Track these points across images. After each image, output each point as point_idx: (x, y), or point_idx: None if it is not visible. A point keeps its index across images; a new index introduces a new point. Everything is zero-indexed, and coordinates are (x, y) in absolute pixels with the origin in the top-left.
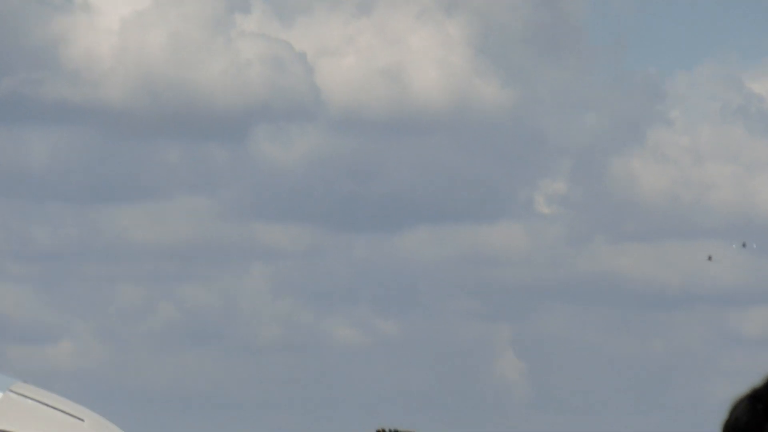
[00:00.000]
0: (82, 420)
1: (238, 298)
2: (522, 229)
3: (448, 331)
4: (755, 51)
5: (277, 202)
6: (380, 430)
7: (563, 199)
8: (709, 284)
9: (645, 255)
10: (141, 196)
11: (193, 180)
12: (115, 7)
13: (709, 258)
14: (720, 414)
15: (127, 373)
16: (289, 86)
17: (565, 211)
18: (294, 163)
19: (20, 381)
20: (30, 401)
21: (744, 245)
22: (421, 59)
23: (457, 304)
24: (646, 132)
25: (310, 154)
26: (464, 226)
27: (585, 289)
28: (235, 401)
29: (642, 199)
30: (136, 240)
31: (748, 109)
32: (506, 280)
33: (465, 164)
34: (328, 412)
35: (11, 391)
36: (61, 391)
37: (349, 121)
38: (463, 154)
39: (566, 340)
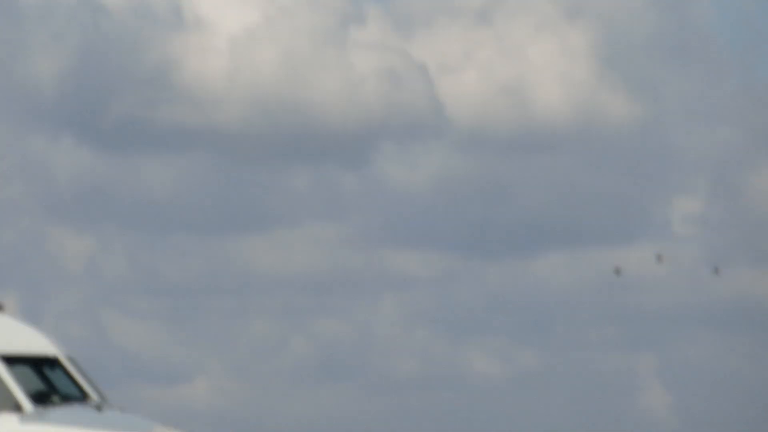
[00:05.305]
0: None
1: (371, 329)
2: (659, 251)
3: (588, 361)
4: None
5: (406, 226)
6: None
7: (700, 219)
8: None
9: None
10: (268, 225)
11: (319, 206)
12: (224, 23)
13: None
14: None
15: (263, 410)
16: (410, 101)
17: (703, 231)
18: (421, 185)
19: (160, 425)
20: None
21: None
22: (543, 72)
23: (598, 332)
24: None
25: (437, 175)
26: (600, 249)
27: (730, 313)
28: None
29: None
30: (265, 271)
31: None
32: (646, 306)
33: (595, 183)
34: None
35: None
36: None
37: (473, 139)
38: (593, 173)
39: (713, 369)
